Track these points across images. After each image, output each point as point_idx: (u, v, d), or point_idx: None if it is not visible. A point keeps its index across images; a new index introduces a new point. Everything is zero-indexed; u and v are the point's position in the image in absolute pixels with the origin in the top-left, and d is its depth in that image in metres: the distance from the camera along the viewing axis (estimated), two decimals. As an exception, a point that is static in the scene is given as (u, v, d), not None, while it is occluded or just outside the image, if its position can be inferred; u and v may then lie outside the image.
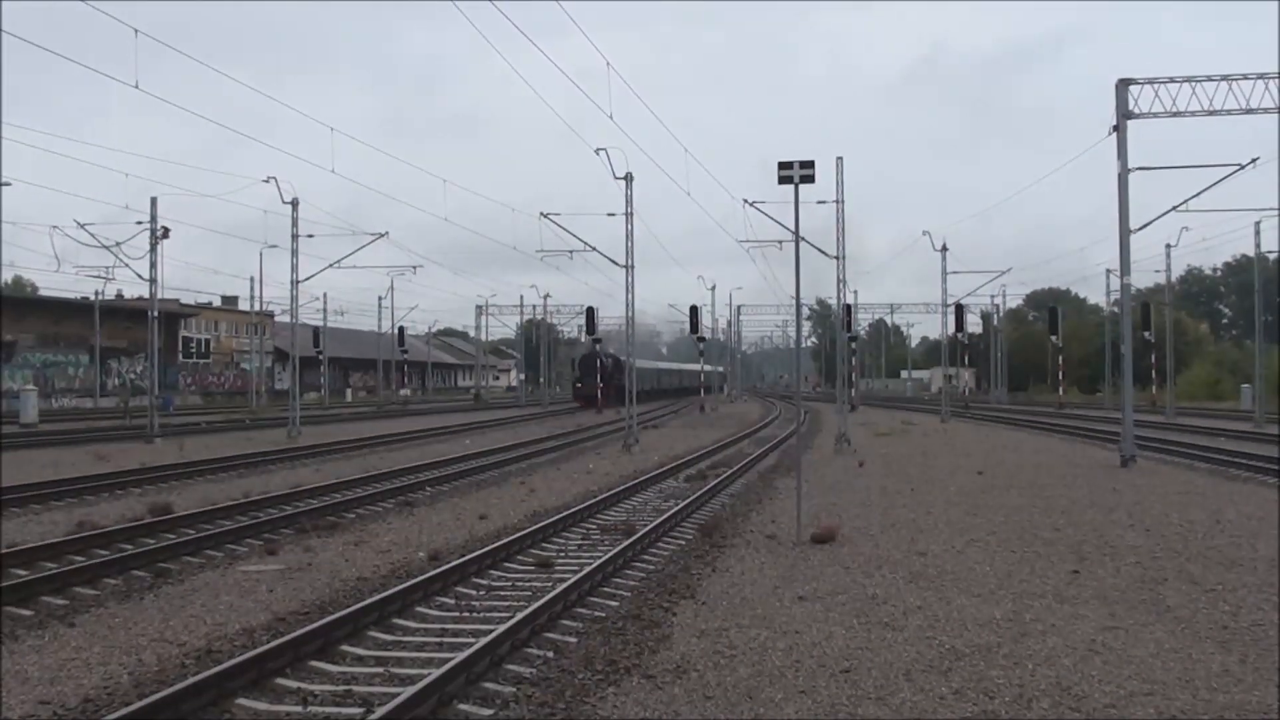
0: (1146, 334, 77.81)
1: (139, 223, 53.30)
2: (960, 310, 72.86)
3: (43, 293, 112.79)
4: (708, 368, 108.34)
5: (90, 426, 62.60)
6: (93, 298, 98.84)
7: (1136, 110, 34.18)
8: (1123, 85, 34.24)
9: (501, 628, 12.15)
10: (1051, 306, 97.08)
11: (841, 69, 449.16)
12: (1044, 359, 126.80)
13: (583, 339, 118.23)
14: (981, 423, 68.74)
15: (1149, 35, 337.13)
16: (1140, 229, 35.91)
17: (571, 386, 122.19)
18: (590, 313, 72.98)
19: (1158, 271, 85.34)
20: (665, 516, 21.61)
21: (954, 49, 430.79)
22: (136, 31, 31.89)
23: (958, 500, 25.75)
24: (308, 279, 57.70)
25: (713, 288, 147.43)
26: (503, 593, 15.65)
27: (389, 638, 12.95)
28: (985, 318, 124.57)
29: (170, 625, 13.63)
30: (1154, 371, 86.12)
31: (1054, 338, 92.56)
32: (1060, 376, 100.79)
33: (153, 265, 52.89)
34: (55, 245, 73.46)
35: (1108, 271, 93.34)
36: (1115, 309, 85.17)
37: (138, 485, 29.55)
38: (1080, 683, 10.73)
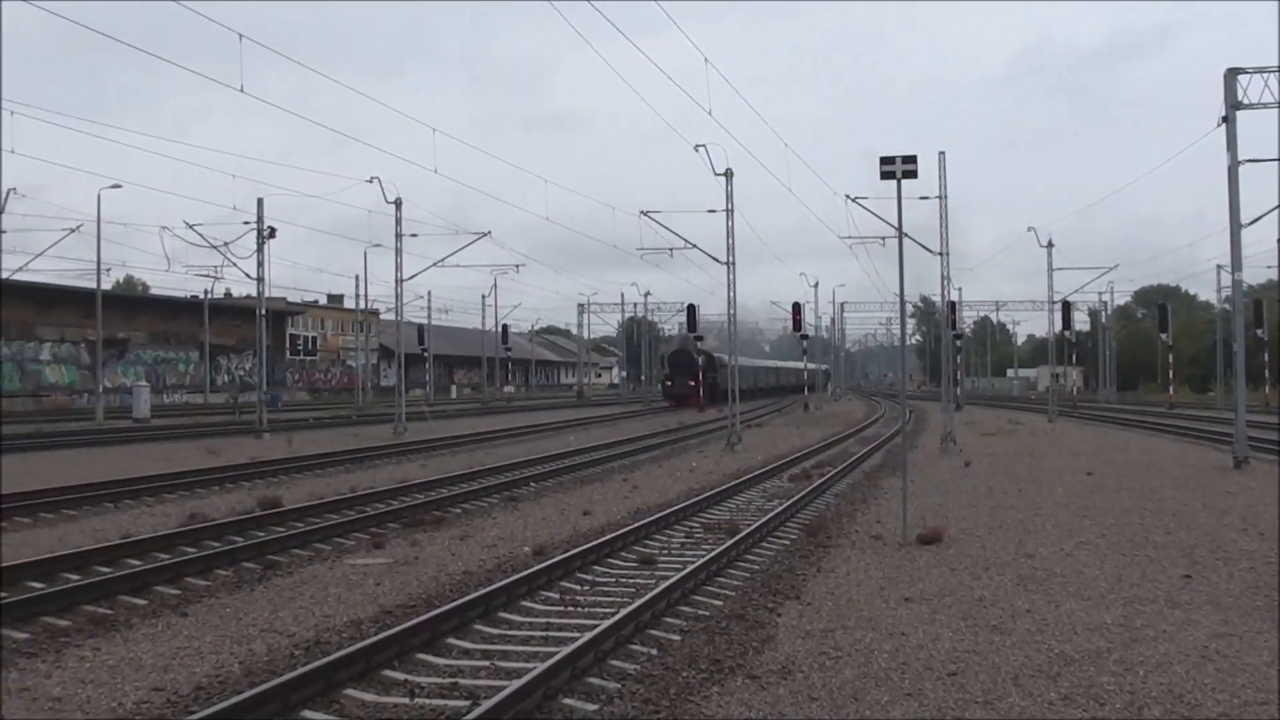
0: (1259, 332, 76.64)
1: (246, 223, 54.13)
2: (1067, 307, 72.22)
3: (153, 292, 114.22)
4: (810, 365, 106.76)
5: (200, 422, 63.37)
6: (202, 296, 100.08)
7: (1246, 100, 33.60)
8: (1231, 75, 33.62)
9: (606, 623, 12.20)
10: (1161, 304, 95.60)
11: (943, 63, 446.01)
12: (1153, 357, 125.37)
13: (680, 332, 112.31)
14: (1089, 422, 67.93)
15: (1256, 26, 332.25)
16: (1252, 223, 35.31)
17: (660, 384, 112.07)
18: (691, 310, 72.88)
19: (1269, 267, 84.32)
20: (769, 516, 21.53)
21: (1057, 42, 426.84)
22: (241, 36, 32.32)
23: (1066, 501, 25.50)
24: (412, 277, 58.38)
25: (815, 284, 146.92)
26: (607, 588, 15.69)
27: (495, 631, 13.03)
28: (1093, 315, 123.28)
29: (280, 616, 13.81)
30: (1267, 370, 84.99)
31: (1163, 335, 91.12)
32: (1170, 375, 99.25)
33: (260, 264, 53.63)
34: (165, 245, 74.54)
35: (1218, 267, 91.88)
36: (1226, 306, 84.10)
37: (247, 479, 29.92)
38: (1193, 690, 10.59)
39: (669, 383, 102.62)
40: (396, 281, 56.46)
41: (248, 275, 55.34)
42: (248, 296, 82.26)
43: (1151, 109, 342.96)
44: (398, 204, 54.19)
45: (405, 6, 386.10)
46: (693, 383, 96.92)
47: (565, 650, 11.08)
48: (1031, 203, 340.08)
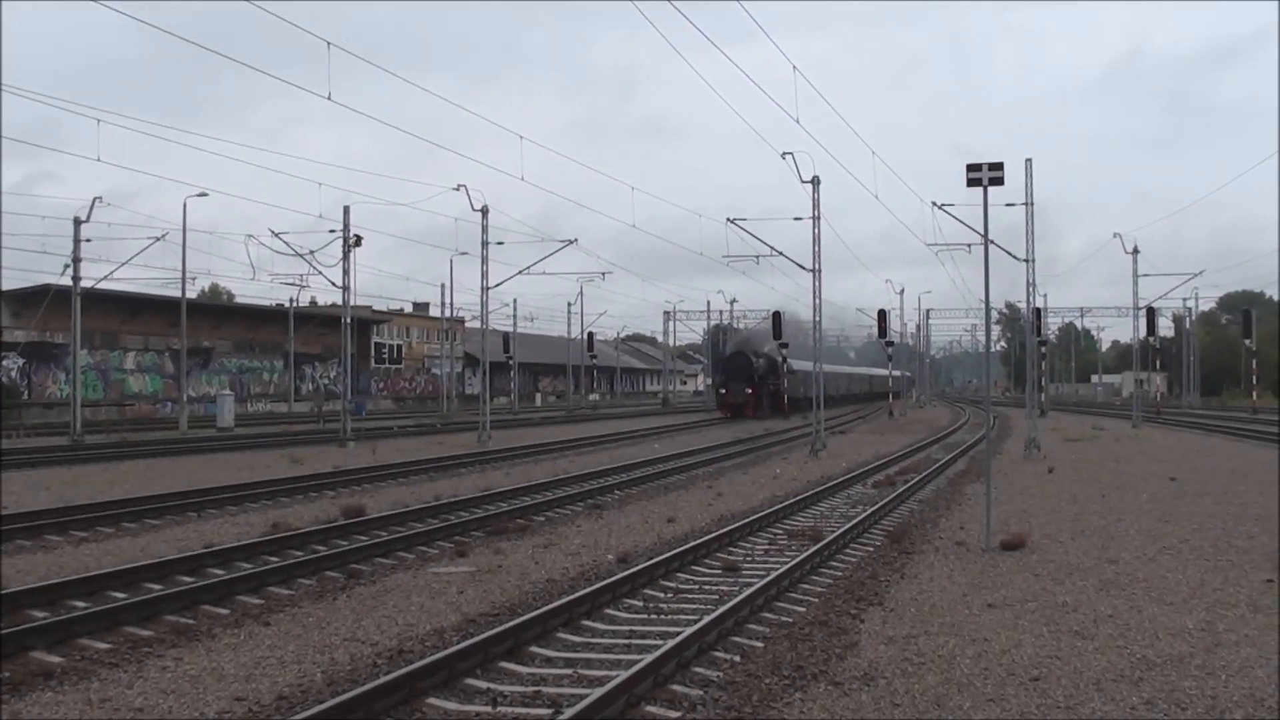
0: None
1: (332, 231, 54.26)
2: (1151, 314, 71.66)
3: (239, 300, 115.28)
4: (892, 372, 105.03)
5: (284, 430, 63.77)
6: (287, 304, 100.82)
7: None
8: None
9: (689, 631, 12.19)
10: (1245, 309, 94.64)
11: (1035, 69, 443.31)
12: (1237, 363, 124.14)
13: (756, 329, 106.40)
14: (1173, 428, 67.38)
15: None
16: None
17: (714, 392, 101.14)
18: (776, 317, 72.42)
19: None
20: (853, 523, 21.48)
21: (1154, 48, 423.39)
22: (329, 44, 32.33)
23: (1149, 507, 25.31)
24: (498, 285, 58.29)
25: (901, 291, 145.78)
26: (690, 596, 15.67)
27: (577, 639, 13.04)
28: (1177, 321, 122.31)
29: (362, 625, 13.86)
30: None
31: (1248, 341, 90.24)
32: (1254, 381, 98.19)
33: (345, 272, 53.76)
34: (251, 254, 75.35)
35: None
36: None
37: (331, 488, 30.08)
38: (1275, 694, 10.54)
39: (723, 390, 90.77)
40: (482, 289, 56.68)
41: (333, 283, 55.66)
42: (333, 305, 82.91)
43: (1247, 114, 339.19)
44: (484, 211, 54.42)
45: (495, 13, 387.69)
46: (750, 390, 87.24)
47: (648, 658, 11.08)
48: (1124, 208, 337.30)
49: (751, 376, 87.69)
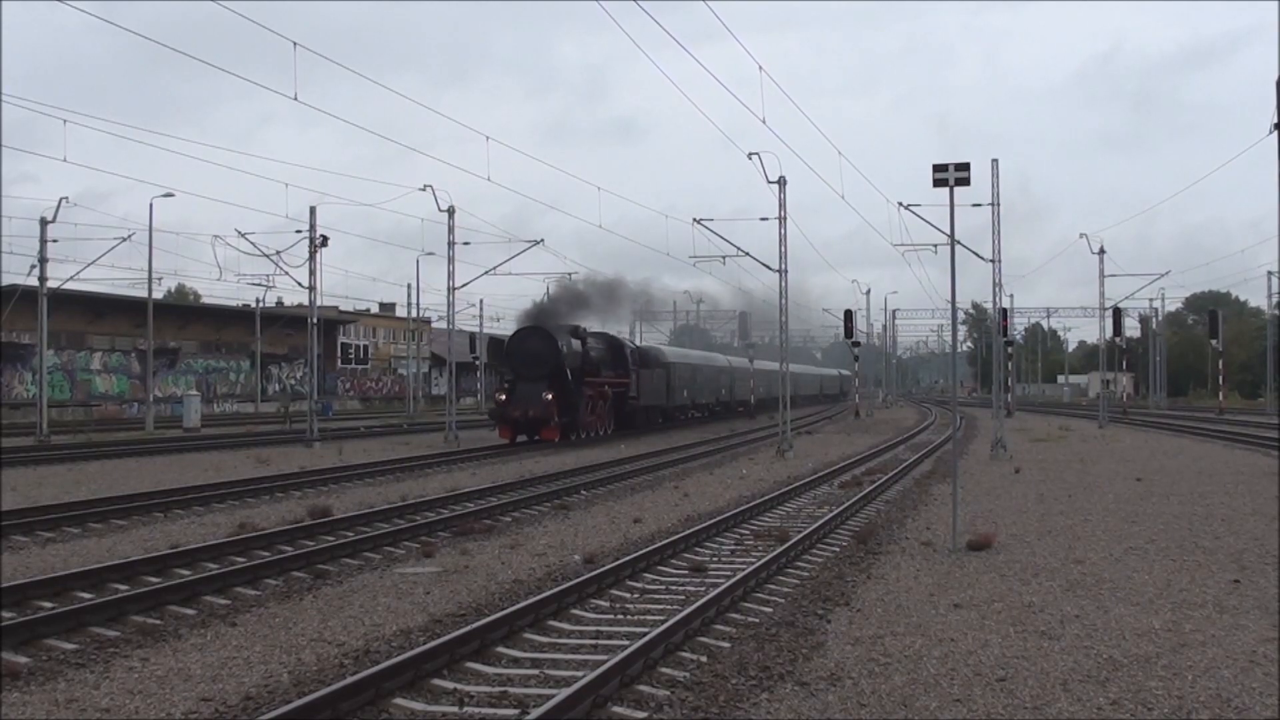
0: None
1: (298, 231, 54.10)
2: (1118, 314, 71.79)
3: (205, 300, 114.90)
4: (829, 370, 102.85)
5: (251, 431, 63.54)
6: (253, 305, 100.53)
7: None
8: (1283, 84, 33.29)
9: (655, 631, 12.19)
10: (1211, 310, 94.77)
11: (1004, 70, 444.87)
12: (1204, 364, 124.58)
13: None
14: (1140, 429, 67.51)
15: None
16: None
17: (493, 399, 65.85)
18: (743, 317, 72.49)
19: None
20: (819, 523, 21.48)
21: (1128, 49, 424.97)
22: (295, 44, 32.12)
23: (1116, 507, 25.36)
24: (464, 285, 58.30)
25: (867, 291, 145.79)
26: (657, 596, 15.67)
27: (544, 640, 13.03)
28: (1144, 321, 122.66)
29: (329, 625, 13.83)
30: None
31: (1214, 342, 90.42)
32: (1221, 381, 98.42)
33: (312, 273, 53.58)
34: (217, 254, 74.96)
35: (1269, 273, 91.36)
36: (1277, 312, 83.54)
37: (297, 488, 29.97)
38: (1240, 695, 10.56)
39: (504, 396, 52.90)
40: (448, 289, 56.68)
41: (300, 284, 55.50)
42: (299, 305, 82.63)
43: (1218, 115, 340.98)
44: (450, 212, 54.45)
45: (462, 14, 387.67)
46: (552, 395, 51.59)
47: (615, 658, 11.08)
48: (1095, 207, 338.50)
49: (559, 370, 53.05)
